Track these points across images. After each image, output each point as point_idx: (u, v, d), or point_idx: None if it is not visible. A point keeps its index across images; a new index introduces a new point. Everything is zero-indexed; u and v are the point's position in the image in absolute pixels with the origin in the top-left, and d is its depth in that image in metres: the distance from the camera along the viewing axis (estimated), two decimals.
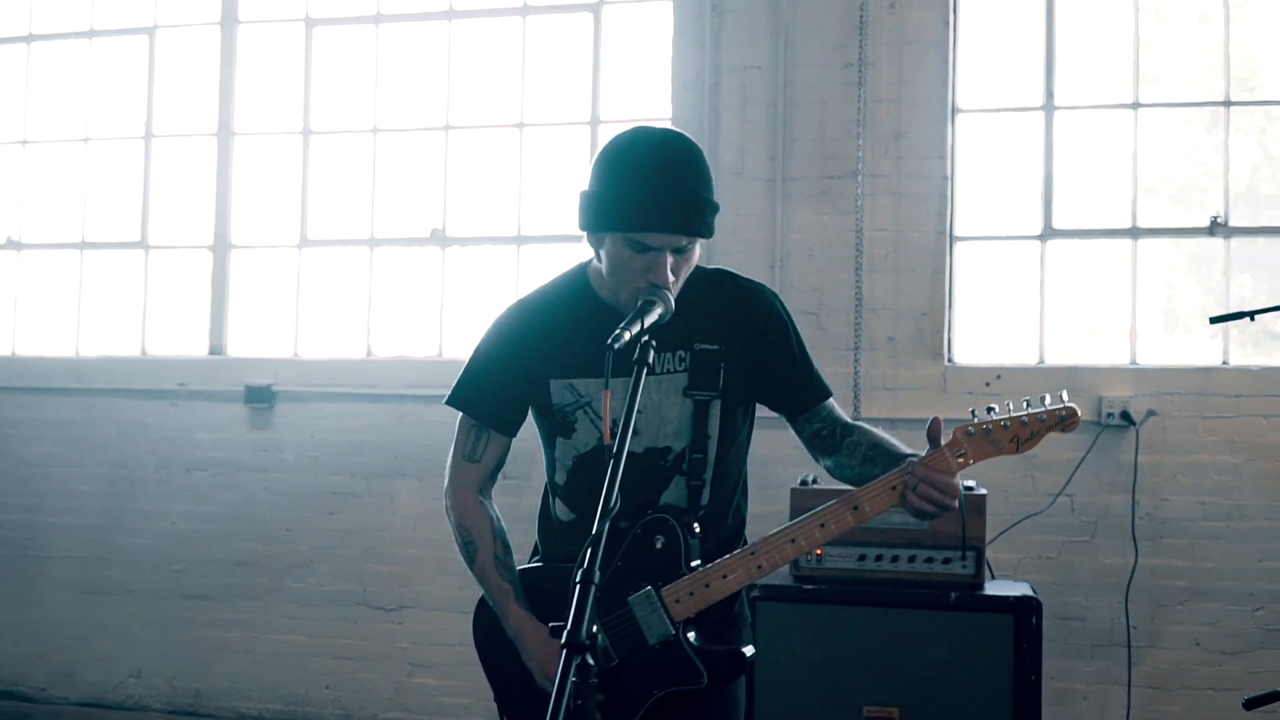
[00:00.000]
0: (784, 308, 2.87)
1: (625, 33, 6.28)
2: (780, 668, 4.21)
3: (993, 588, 4.38)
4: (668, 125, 6.06)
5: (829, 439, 2.83)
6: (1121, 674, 5.37)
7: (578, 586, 2.10)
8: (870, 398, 5.71)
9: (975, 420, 2.63)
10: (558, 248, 6.33)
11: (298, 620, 6.32)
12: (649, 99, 6.20)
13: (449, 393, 2.90)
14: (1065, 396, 2.66)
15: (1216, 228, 5.64)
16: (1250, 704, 3.40)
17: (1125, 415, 5.45)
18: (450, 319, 6.42)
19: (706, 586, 2.66)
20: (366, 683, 6.24)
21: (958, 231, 5.84)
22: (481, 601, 2.87)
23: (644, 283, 2.60)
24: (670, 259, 2.59)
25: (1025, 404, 2.65)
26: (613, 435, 2.28)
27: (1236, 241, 5.65)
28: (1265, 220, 5.71)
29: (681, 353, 2.76)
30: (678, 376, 2.76)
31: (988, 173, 5.93)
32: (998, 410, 2.64)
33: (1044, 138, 5.84)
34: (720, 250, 5.84)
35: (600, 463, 2.72)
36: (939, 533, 4.29)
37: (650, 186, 2.56)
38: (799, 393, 2.86)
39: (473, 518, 2.85)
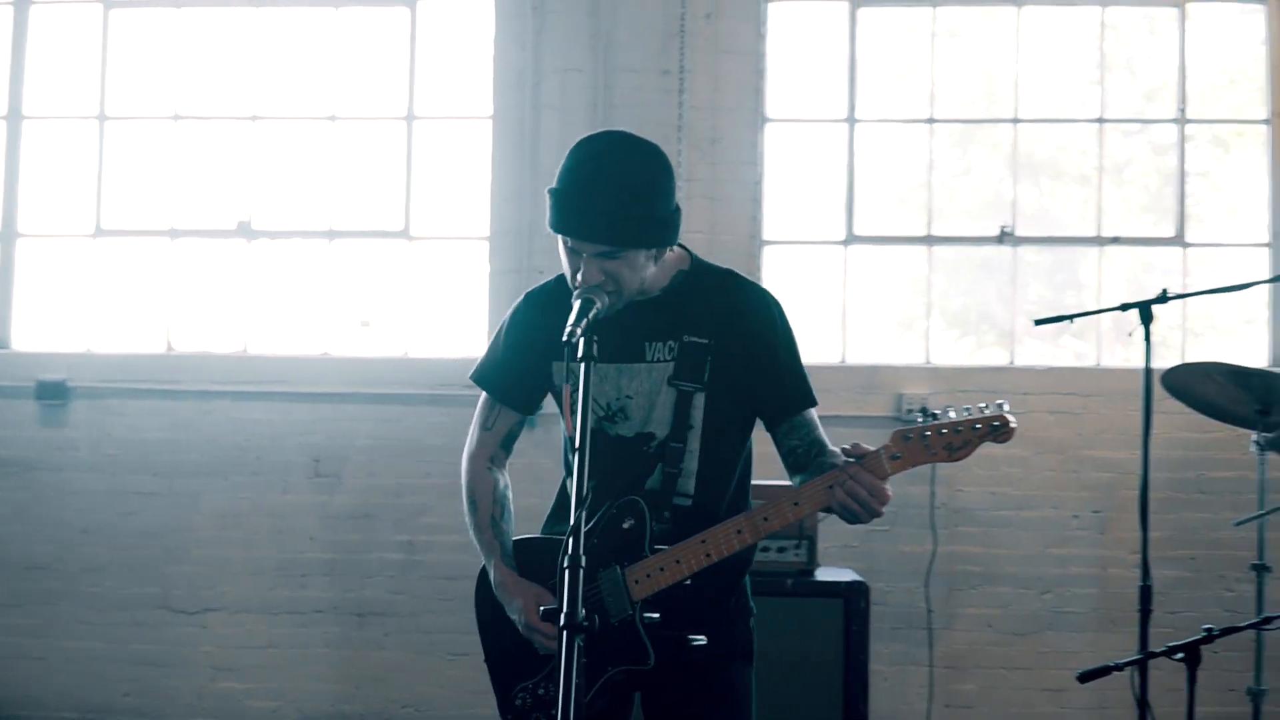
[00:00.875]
0: (781, 313, 2.92)
1: (444, 28, 6.28)
2: None
3: (823, 574, 4.61)
4: (488, 123, 6.11)
5: (803, 456, 2.87)
6: (921, 655, 5.70)
7: (565, 571, 2.17)
8: None
9: (912, 426, 2.69)
10: (373, 243, 6.28)
11: (94, 625, 6.05)
12: (470, 96, 6.21)
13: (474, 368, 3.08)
14: (1003, 406, 2.70)
15: (1005, 237, 6.04)
16: (1084, 677, 3.67)
17: (924, 411, 5.75)
18: (257, 314, 6.27)
19: (661, 570, 2.74)
20: (168, 689, 6.03)
21: (766, 236, 6.07)
22: (481, 577, 3.00)
23: (577, 281, 2.70)
24: (601, 263, 2.67)
25: (965, 412, 2.69)
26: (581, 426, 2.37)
27: (1024, 249, 6.07)
28: (1049, 230, 6.15)
29: (671, 343, 2.84)
30: (666, 365, 2.84)
31: (795, 180, 6.19)
32: (936, 416, 2.69)
33: (847, 149, 6.13)
34: (539, 249, 5.92)
35: (596, 444, 2.77)
36: None
37: (575, 191, 2.65)
38: (783, 395, 2.89)
39: (479, 481, 3.02)
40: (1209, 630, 3.55)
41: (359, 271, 6.29)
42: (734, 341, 2.85)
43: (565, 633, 2.12)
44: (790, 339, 2.93)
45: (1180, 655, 3.51)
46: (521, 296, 3.04)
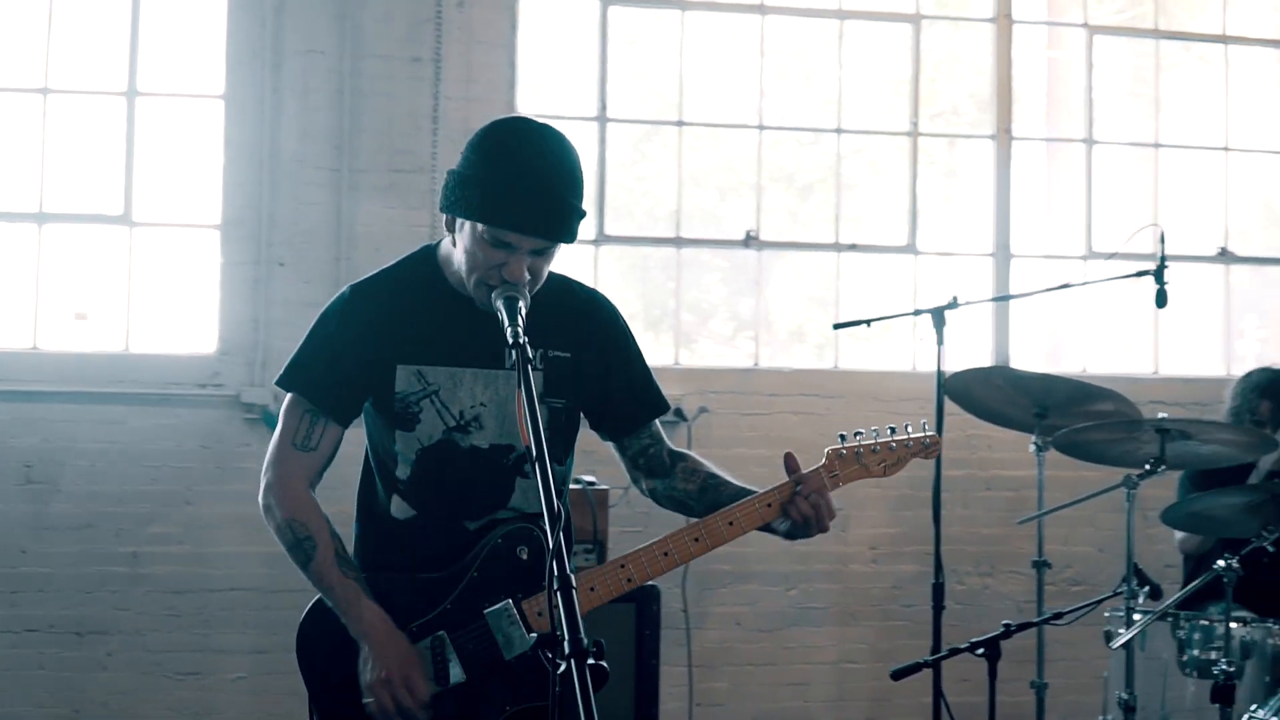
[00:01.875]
0: (623, 317, 2.85)
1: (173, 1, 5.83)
2: None
3: None
4: (220, 103, 5.72)
5: (656, 459, 2.81)
6: (679, 655, 5.70)
7: (560, 594, 2.04)
8: None
9: (846, 444, 2.74)
10: (90, 228, 5.77)
11: None
12: (200, 73, 5.79)
13: (281, 373, 2.67)
14: (926, 425, 2.82)
15: (751, 241, 6.13)
16: (897, 675, 3.73)
17: (679, 412, 5.79)
18: None
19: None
20: None
21: None
22: (312, 608, 2.63)
23: (495, 278, 2.50)
24: (528, 260, 2.51)
25: (890, 430, 2.78)
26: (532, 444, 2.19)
27: (768, 253, 6.17)
28: (797, 236, 6.28)
29: (536, 353, 2.66)
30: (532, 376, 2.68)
31: None
32: (864, 435, 2.75)
33: (598, 147, 6.07)
34: (280, 240, 5.60)
35: (446, 456, 2.61)
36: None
37: (522, 185, 2.47)
38: (641, 402, 2.82)
39: (307, 512, 2.63)
40: (1007, 626, 3.69)
41: (74, 259, 5.76)
42: (592, 356, 2.75)
43: (575, 660, 1.95)
44: (638, 344, 2.87)
45: (981, 651, 3.63)
46: (346, 290, 2.72)
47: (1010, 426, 4.91)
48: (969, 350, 6.09)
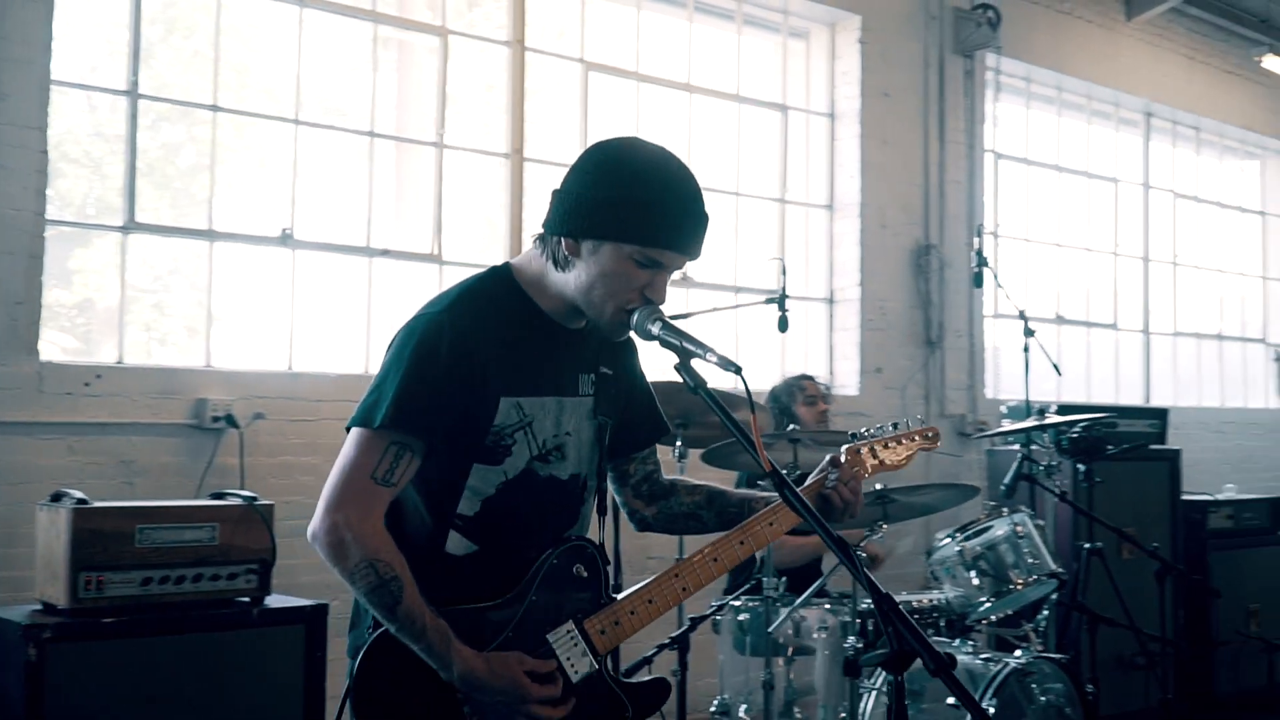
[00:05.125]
0: None
1: None
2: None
3: (279, 600, 4.28)
4: None
5: (658, 483, 2.79)
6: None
7: (887, 609, 1.98)
8: None
9: (861, 441, 2.83)
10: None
11: None
12: None
13: (370, 411, 2.35)
14: (921, 419, 2.98)
15: (287, 239, 5.92)
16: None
17: (230, 419, 5.46)
18: None
19: (632, 614, 2.48)
20: None
21: (51, 214, 5.26)
22: (376, 650, 2.35)
23: (637, 299, 2.40)
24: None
25: (893, 426, 2.90)
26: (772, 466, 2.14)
27: (302, 252, 5.97)
28: (326, 237, 6.13)
29: (591, 375, 2.58)
30: (587, 400, 2.57)
31: (80, 158, 5.46)
32: (873, 432, 2.85)
33: (127, 124, 5.54)
34: None
35: (525, 486, 2.49)
36: (230, 548, 4.09)
37: (677, 205, 2.40)
38: (656, 419, 2.78)
39: (388, 551, 2.35)
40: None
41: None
42: (626, 370, 2.72)
43: (943, 675, 1.95)
44: None
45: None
46: (441, 316, 2.43)
47: None
48: None
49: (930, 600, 4.96)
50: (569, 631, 2.49)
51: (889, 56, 8.16)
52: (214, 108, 5.79)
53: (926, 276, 8.20)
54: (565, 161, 7.11)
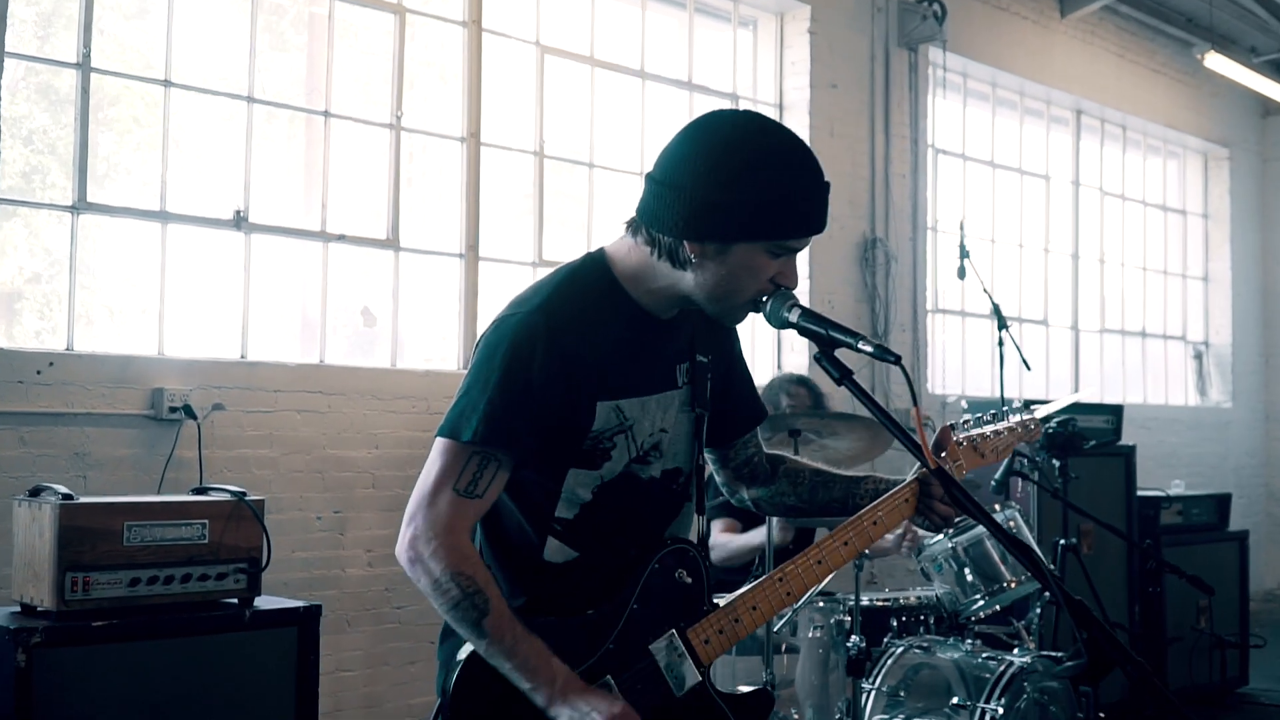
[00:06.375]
0: None
1: None
2: None
3: (269, 601, 4.06)
4: None
5: (759, 467, 2.65)
6: None
7: (1081, 615, 1.98)
8: None
9: (967, 434, 2.66)
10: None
11: None
12: None
13: (458, 422, 2.20)
14: (1024, 410, 2.80)
15: (240, 221, 5.66)
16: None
17: (188, 409, 5.20)
18: None
19: (736, 621, 2.34)
20: None
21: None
22: (469, 671, 2.21)
23: (770, 288, 2.25)
24: None
25: (993, 417, 2.73)
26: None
27: (257, 237, 5.73)
28: (283, 221, 5.88)
29: (686, 364, 2.42)
30: (683, 391, 2.41)
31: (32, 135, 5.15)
32: (973, 424, 2.68)
33: (78, 98, 5.25)
34: None
35: (625, 489, 2.35)
36: (220, 545, 3.87)
37: (810, 190, 2.25)
38: (754, 406, 2.64)
39: (475, 565, 2.20)
40: None
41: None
42: (724, 355, 2.56)
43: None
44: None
45: None
46: (536, 319, 2.26)
47: None
48: None
49: (919, 597, 4.90)
50: (670, 642, 2.35)
51: (837, 48, 8.11)
52: (166, 83, 5.52)
53: (873, 270, 8.18)
54: (522, 147, 6.96)
